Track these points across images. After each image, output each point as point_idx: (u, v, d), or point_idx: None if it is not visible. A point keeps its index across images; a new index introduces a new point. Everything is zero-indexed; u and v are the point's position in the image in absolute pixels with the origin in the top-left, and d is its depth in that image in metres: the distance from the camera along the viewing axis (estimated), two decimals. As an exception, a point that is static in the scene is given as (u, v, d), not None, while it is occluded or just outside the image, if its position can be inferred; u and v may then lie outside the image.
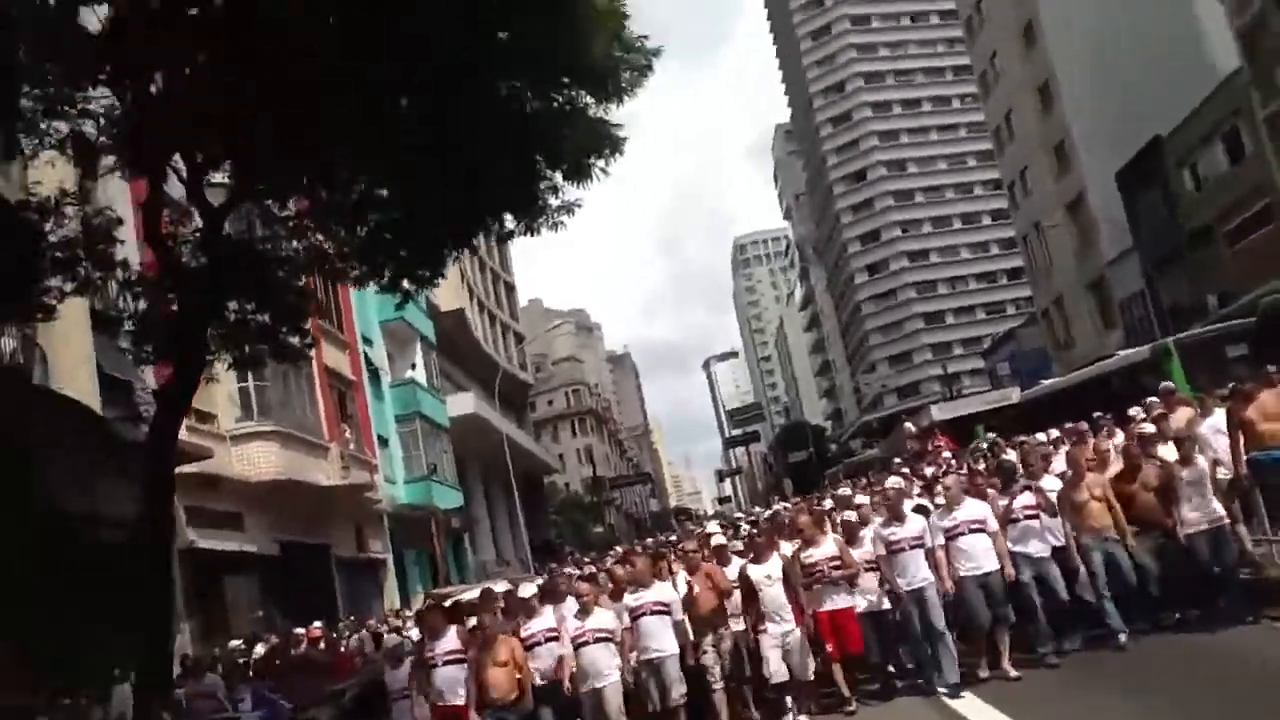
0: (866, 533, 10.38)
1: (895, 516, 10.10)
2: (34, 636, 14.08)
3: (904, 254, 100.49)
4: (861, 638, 9.81)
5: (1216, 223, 34.24)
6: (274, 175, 11.45)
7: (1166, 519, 9.90)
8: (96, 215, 12.41)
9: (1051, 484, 10.50)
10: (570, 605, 10.17)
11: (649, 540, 21.38)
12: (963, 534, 9.72)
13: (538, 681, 9.72)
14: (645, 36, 10.23)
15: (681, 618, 9.83)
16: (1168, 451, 10.45)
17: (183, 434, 13.59)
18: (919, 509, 10.72)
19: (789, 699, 9.61)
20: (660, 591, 9.91)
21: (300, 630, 18.02)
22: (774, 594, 9.69)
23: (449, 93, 9.60)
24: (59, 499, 15.08)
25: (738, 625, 10.06)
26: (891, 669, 10.32)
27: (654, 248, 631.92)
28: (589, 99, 10.46)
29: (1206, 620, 9.55)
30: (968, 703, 8.98)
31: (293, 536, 25.32)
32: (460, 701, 9.69)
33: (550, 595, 10.92)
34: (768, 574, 9.80)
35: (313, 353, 16.91)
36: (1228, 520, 9.88)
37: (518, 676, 9.58)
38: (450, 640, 10.16)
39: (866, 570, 10.12)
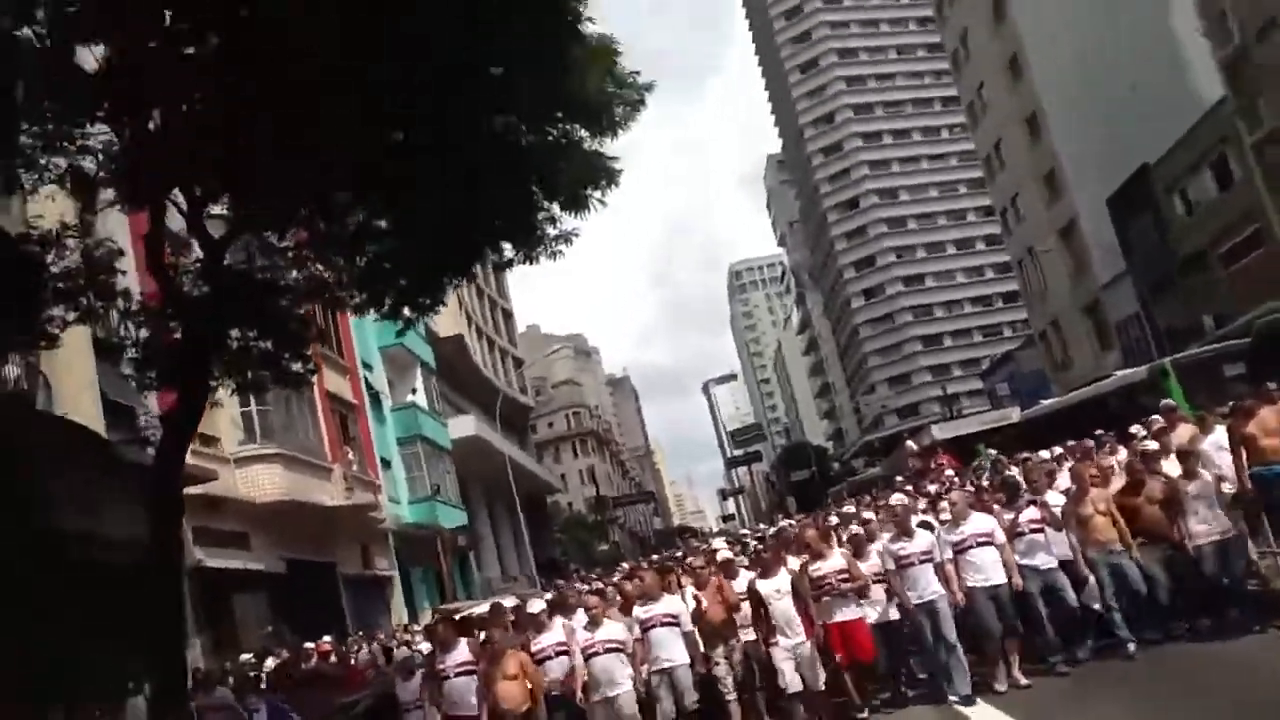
0: (874, 547, 10.47)
1: (904, 532, 10.19)
2: (48, 653, 14.15)
3: (899, 279, 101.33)
4: (872, 647, 9.88)
5: (1209, 247, 34.59)
6: (272, 207, 11.58)
7: (1172, 531, 9.96)
8: (98, 247, 12.54)
9: (1056, 499, 10.61)
10: (580, 618, 10.28)
11: (654, 557, 21.40)
12: (971, 547, 9.84)
13: (551, 693, 9.80)
14: (637, 72, 10.46)
15: (691, 629, 9.89)
16: (1171, 467, 10.51)
17: (188, 457, 13.68)
18: (923, 525, 10.81)
19: (801, 709, 9.67)
20: (669, 604, 9.99)
21: (310, 645, 18.11)
22: (783, 607, 9.77)
23: (446, 125, 9.75)
24: (67, 520, 15.13)
25: (748, 636, 10.14)
26: (903, 679, 10.40)
27: (648, 275, 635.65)
28: (584, 133, 10.65)
29: (1216, 630, 9.61)
30: (980, 711, 9.05)
31: (299, 555, 25.45)
32: (472, 712, 9.78)
33: (560, 608, 11.01)
34: (776, 588, 9.88)
35: (314, 378, 17.06)
36: (1234, 532, 9.93)
37: (529, 688, 9.64)
38: (461, 652, 10.27)
39: (875, 583, 10.21)
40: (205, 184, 11.20)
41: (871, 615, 10.08)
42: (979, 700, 9.30)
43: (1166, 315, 37.42)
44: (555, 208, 11.14)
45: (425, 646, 13.95)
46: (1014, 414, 31.72)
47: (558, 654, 10.02)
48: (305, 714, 12.82)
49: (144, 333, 13.58)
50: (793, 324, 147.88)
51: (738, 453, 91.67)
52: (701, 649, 10.00)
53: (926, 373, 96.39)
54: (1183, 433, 12.19)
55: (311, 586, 25.91)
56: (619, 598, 11.26)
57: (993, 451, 18.52)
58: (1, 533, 13.63)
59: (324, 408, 28.93)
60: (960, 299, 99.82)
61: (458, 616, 15.83)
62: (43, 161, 11.29)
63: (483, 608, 17.37)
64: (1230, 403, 11.55)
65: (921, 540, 10.07)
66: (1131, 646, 9.58)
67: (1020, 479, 11.25)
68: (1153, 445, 10.90)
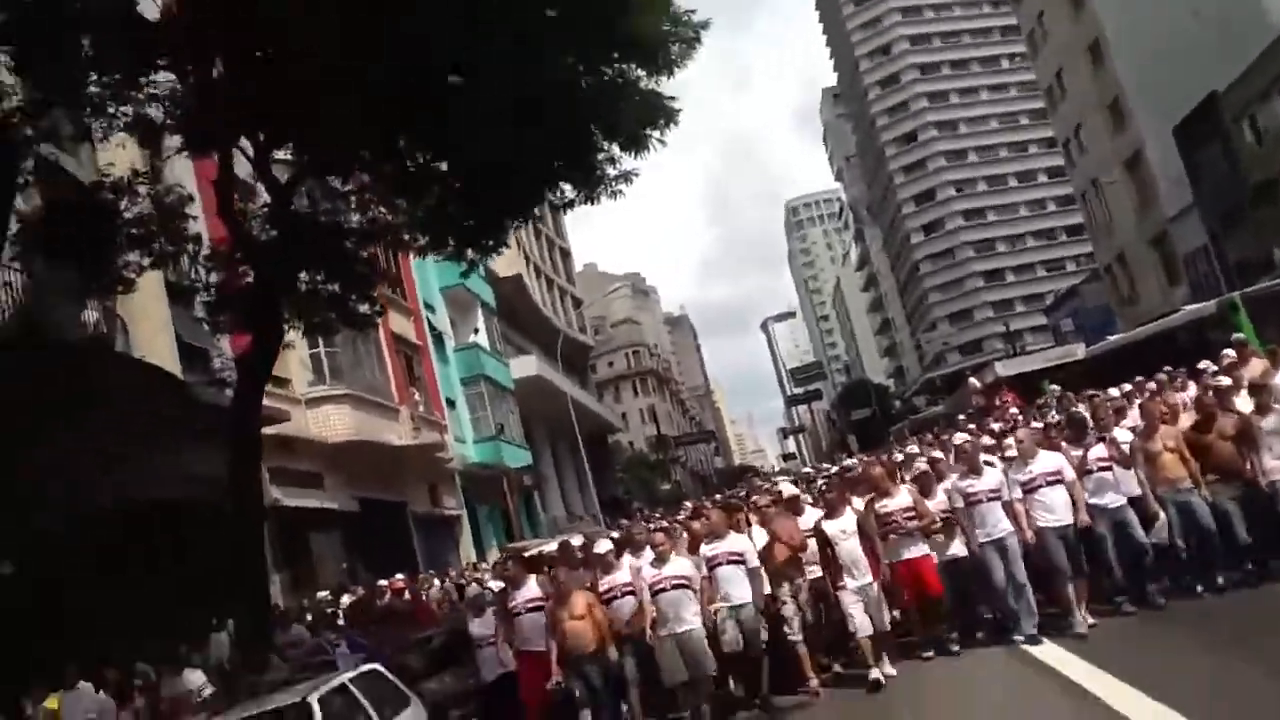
0: (942, 486, 10.35)
1: (972, 469, 10.06)
2: (134, 590, 14.75)
3: (960, 213, 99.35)
4: (939, 584, 9.83)
5: (1280, 176, 33.31)
6: (335, 151, 11.72)
7: (1245, 468, 9.78)
8: (168, 193, 12.84)
9: (1124, 436, 10.40)
10: (647, 556, 10.32)
11: (716, 496, 21.54)
12: (1040, 486, 9.68)
13: (619, 634, 9.99)
14: (692, 11, 10.36)
15: (757, 565, 9.93)
16: (1243, 403, 10.31)
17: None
18: (986, 465, 10.71)
19: (868, 649, 9.67)
20: (735, 542, 10.03)
21: (383, 582, 18.61)
22: (849, 548, 9.76)
23: (505, 68, 9.78)
24: (148, 460, 15.69)
25: (814, 575, 10.15)
26: (970, 618, 10.34)
27: (705, 213, 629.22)
28: (640, 72, 10.63)
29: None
30: (1047, 650, 8.98)
31: (370, 494, 26.13)
32: (542, 648, 10.02)
33: (627, 547, 11.17)
34: (842, 528, 9.87)
35: (380, 319, 17.39)
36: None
37: (597, 627, 9.83)
38: (531, 589, 10.52)
39: (942, 520, 10.11)
40: (270, 129, 11.37)
41: (938, 555, 10.01)
42: (1045, 640, 9.24)
43: (1236, 248, 36.23)
44: (614, 148, 11.17)
45: (495, 584, 14.30)
46: (1079, 350, 31.14)
47: (624, 594, 10.14)
48: (381, 649, 13.17)
49: (214, 277, 13.96)
50: (851, 260, 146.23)
51: (798, 391, 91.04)
52: (767, 587, 10.10)
53: (989, 309, 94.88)
54: (1255, 367, 11.90)
55: (383, 525, 26.63)
56: (685, 536, 11.37)
57: (1056, 388, 18.25)
58: (86, 472, 14.19)
59: (389, 349, 29.39)
60: (1022, 233, 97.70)
61: (526, 555, 16.15)
62: (111, 110, 11.55)
63: (550, 546, 17.67)
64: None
65: (990, 478, 9.94)
66: (1200, 586, 9.48)
67: (1087, 416, 11.07)
68: (1225, 380, 10.69)
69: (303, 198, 12.95)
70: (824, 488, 11.92)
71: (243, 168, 12.32)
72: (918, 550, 9.88)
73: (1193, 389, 11.98)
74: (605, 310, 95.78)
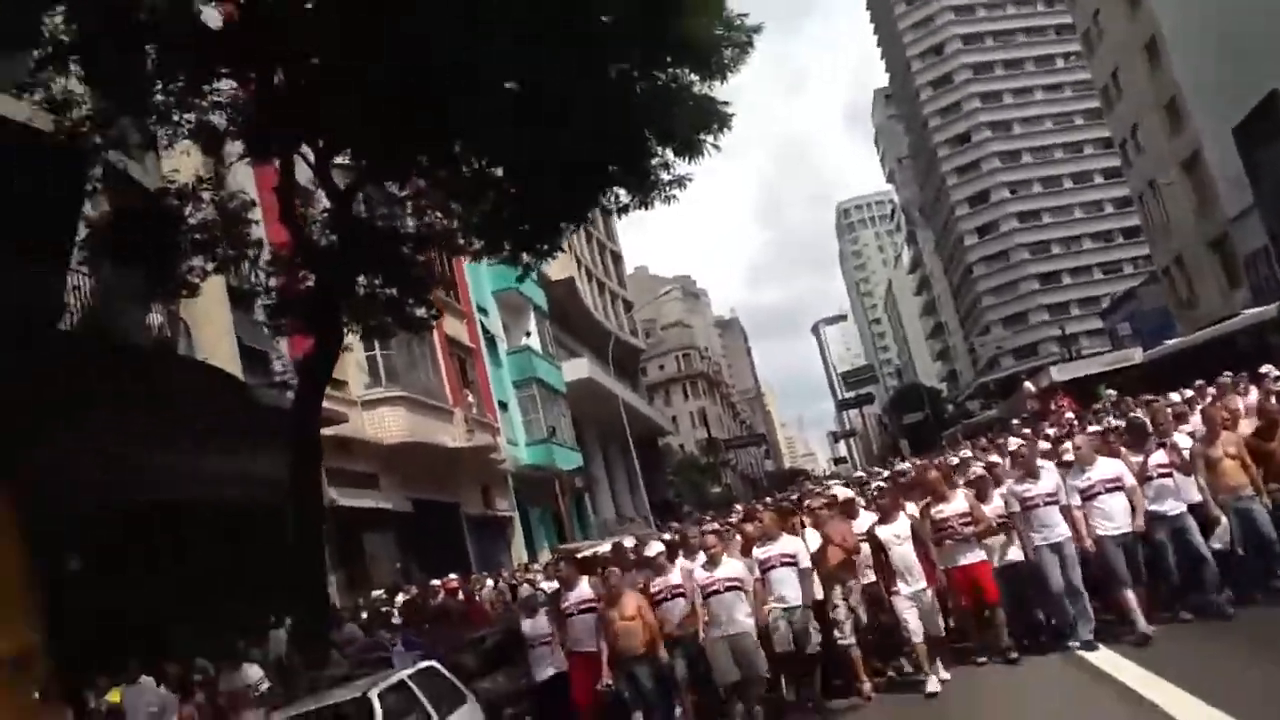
0: (998, 490, 10.25)
1: (1028, 473, 9.97)
2: (195, 586, 15.08)
3: (1014, 215, 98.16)
4: (996, 590, 9.72)
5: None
6: (394, 157, 11.90)
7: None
8: (231, 199, 13.13)
9: (1184, 441, 10.21)
10: (700, 559, 10.34)
11: (767, 499, 21.54)
12: (1099, 493, 9.52)
13: (670, 635, 10.04)
14: (745, 14, 10.38)
15: (809, 566, 9.94)
16: (1307, 409, 10.13)
17: (319, 401, 14.28)
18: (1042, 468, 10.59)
19: (923, 656, 9.62)
20: (787, 544, 10.06)
21: (436, 582, 18.81)
22: (903, 553, 9.71)
23: (562, 74, 9.89)
24: (209, 461, 16.02)
25: (868, 579, 10.12)
26: (1027, 624, 10.22)
27: (755, 215, 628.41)
28: (694, 77, 10.68)
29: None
30: (1104, 656, 8.90)
31: (424, 495, 26.45)
32: (593, 649, 10.11)
33: (679, 549, 11.24)
34: (896, 533, 9.82)
35: (436, 322, 17.63)
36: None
37: (647, 629, 9.90)
38: (583, 590, 10.62)
39: (999, 526, 10.01)
40: (330, 136, 11.59)
41: (995, 560, 9.91)
42: (1101, 646, 9.15)
43: (1299, 249, 35.59)
44: (668, 152, 11.23)
45: (546, 585, 14.42)
46: (1136, 354, 30.76)
47: (675, 595, 10.22)
48: (435, 648, 13.34)
49: (274, 281, 14.26)
50: (903, 263, 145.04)
51: (849, 395, 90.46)
52: (820, 589, 10.06)
53: (1044, 311, 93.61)
54: (1319, 373, 11.73)
55: (437, 526, 26.92)
56: (738, 538, 11.41)
57: (1112, 392, 18.04)
58: (149, 471, 14.53)
59: (444, 351, 29.73)
60: (1079, 234, 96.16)
61: (578, 556, 16.26)
62: (176, 118, 11.86)
63: (602, 547, 17.77)
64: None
65: (1047, 481, 9.81)
66: (1260, 595, 9.31)
67: (1147, 421, 10.93)
68: (1287, 386, 10.52)
69: (360, 203, 13.16)
70: (877, 492, 11.88)
71: (302, 174, 12.56)
72: (974, 556, 9.78)
73: (1254, 394, 11.78)
74: (656, 313, 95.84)
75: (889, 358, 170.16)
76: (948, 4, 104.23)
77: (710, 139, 10.93)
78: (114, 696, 11.73)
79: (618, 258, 72.92)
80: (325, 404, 18.81)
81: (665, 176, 11.50)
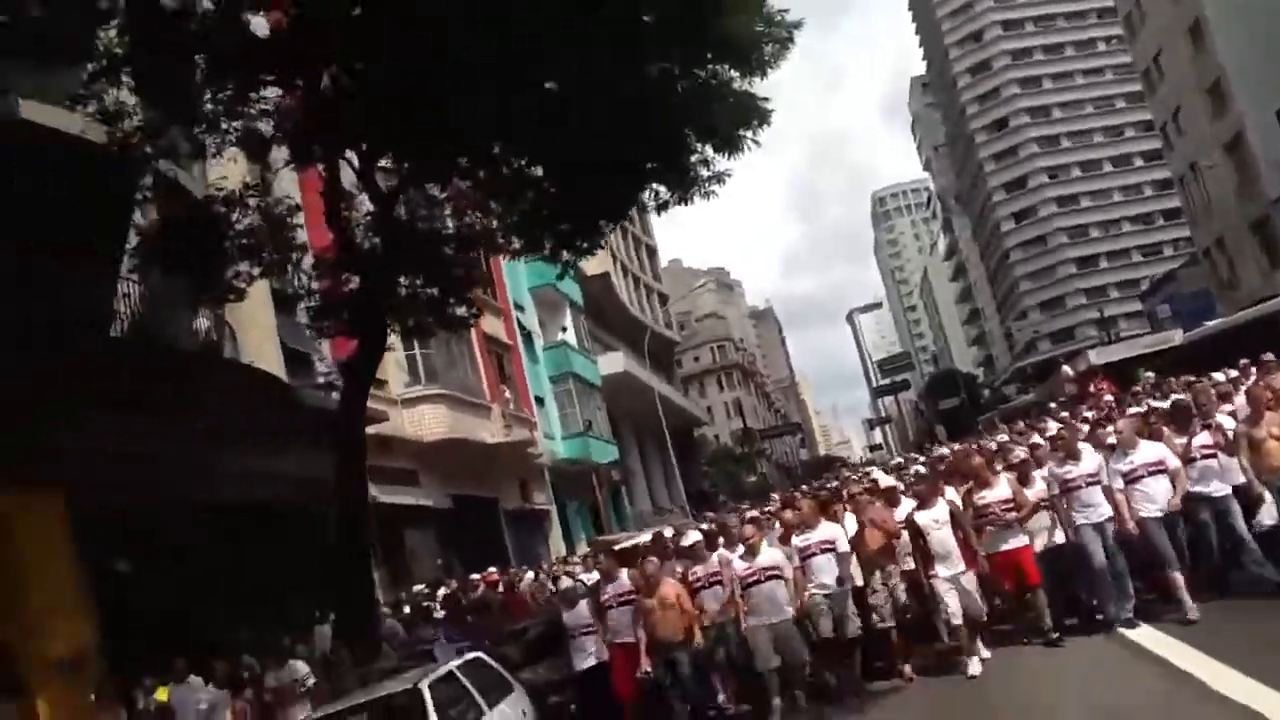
0: (1039, 473, 10.25)
1: (1069, 455, 9.96)
2: (242, 584, 15.42)
3: (1052, 200, 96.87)
4: (1038, 573, 9.75)
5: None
6: (435, 160, 12.08)
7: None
8: (277, 204, 13.39)
9: (1227, 422, 10.15)
10: (738, 549, 10.50)
11: (803, 487, 21.62)
12: (1142, 476, 9.52)
13: (707, 622, 10.24)
14: (785, 10, 10.44)
15: (847, 550, 10.08)
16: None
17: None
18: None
19: (963, 638, 9.73)
20: (826, 530, 10.21)
21: (476, 576, 19.05)
22: (942, 537, 9.77)
23: (603, 72, 10.02)
24: (254, 462, 16.33)
25: (908, 566, 10.21)
26: (1069, 605, 10.25)
27: (789, 205, 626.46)
28: (733, 74, 10.76)
29: None
30: (1147, 635, 8.95)
31: (463, 491, 26.78)
32: (632, 639, 10.32)
33: (717, 538, 11.41)
34: (935, 518, 9.87)
35: (476, 321, 17.84)
36: None
37: (685, 617, 10.11)
38: (622, 583, 10.82)
39: (1042, 509, 10.04)
40: (373, 140, 11.82)
41: (1038, 545, 9.94)
42: (1143, 625, 9.19)
43: (1342, 231, 35.12)
44: (708, 149, 11.32)
45: (585, 576, 14.62)
46: (1176, 336, 30.42)
47: (712, 583, 10.42)
48: (477, 640, 13.55)
49: (314, 284, 14.54)
50: (939, 250, 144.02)
51: (885, 382, 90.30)
52: (859, 575, 10.19)
53: (1081, 295, 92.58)
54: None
55: (476, 521, 27.25)
56: (778, 525, 11.54)
57: (1151, 374, 17.93)
58: (196, 473, 14.86)
59: (481, 349, 30.02)
60: (1117, 218, 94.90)
61: (617, 548, 16.45)
62: (224, 126, 12.13)
63: (640, 538, 17.95)
64: None
65: (1089, 462, 9.81)
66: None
67: (1190, 402, 10.84)
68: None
69: (402, 205, 13.39)
70: (915, 478, 11.95)
71: (345, 177, 12.79)
72: (1016, 541, 9.81)
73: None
74: (690, 305, 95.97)
75: (924, 344, 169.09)
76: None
77: (750, 135, 10.99)
78: (162, 695, 12.02)
79: (653, 251, 72.99)
80: (368, 403, 19.20)
81: (705, 173, 11.58)
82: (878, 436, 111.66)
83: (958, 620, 9.65)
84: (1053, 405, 21.14)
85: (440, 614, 17.36)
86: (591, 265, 46.04)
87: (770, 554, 10.15)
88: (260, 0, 11.44)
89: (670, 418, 51.56)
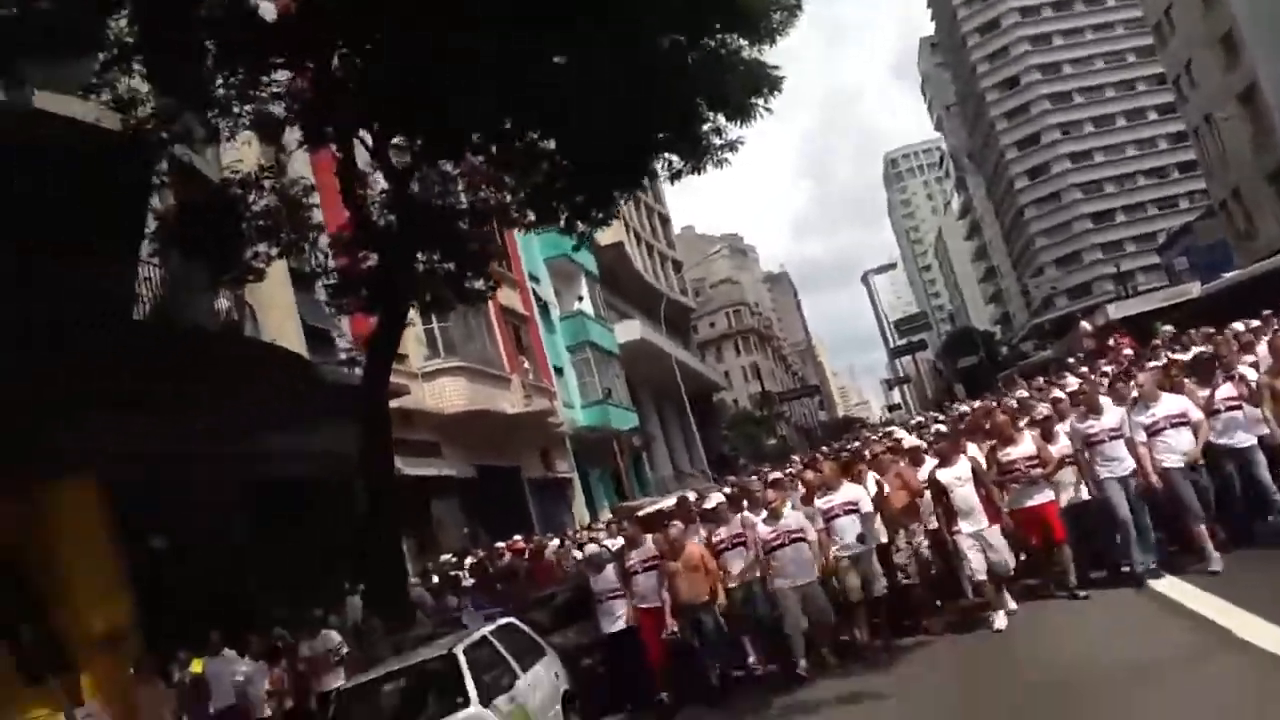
0: (1061, 428, 10.25)
1: (1091, 409, 9.96)
2: (274, 558, 15.66)
3: (1065, 156, 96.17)
4: (1064, 529, 9.77)
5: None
6: (447, 136, 12.11)
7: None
8: (292, 185, 13.47)
9: (1250, 374, 10.08)
10: (761, 513, 10.60)
11: (823, 449, 21.68)
12: (1164, 429, 9.48)
13: (732, 584, 10.40)
14: None
15: (870, 510, 10.16)
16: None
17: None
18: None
19: (989, 592, 9.78)
20: (848, 491, 10.31)
21: (502, 544, 19.25)
22: (964, 494, 9.77)
23: (614, 43, 10.01)
24: (280, 439, 16.53)
25: (932, 525, 10.23)
26: (1094, 559, 10.28)
27: (801, 169, 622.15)
28: (743, 42, 10.72)
29: None
30: (1174, 586, 8.99)
31: (486, 461, 27.08)
32: (657, 604, 10.49)
33: (744, 499, 11.50)
34: (957, 475, 9.87)
35: (493, 294, 17.91)
36: None
37: (710, 577, 10.27)
38: (647, 548, 10.94)
39: (1066, 465, 10.04)
40: (385, 119, 11.86)
41: (1063, 499, 9.94)
42: (1169, 576, 9.24)
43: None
44: (720, 118, 11.31)
45: (609, 542, 14.76)
46: (1194, 289, 30.22)
47: (735, 544, 10.56)
48: (505, 607, 13.70)
49: (332, 262, 14.65)
50: (953, 209, 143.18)
51: (902, 342, 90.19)
52: (884, 534, 10.29)
53: (1098, 250, 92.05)
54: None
55: (500, 490, 27.56)
56: (800, 486, 11.63)
57: (1169, 328, 17.84)
58: (225, 451, 15.06)
59: (498, 320, 30.17)
60: (1132, 172, 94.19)
61: (640, 513, 16.58)
62: (236, 109, 12.20)
63: (663, 503, 18.06)
64: None
65: (1111, 416, 9.80)
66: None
67: (1211, 354, 10.78)
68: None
69: (416, 181, 13.43)
70: (936, 436, 11.98)
71: (358, 156, 12.85)
72: (1041, 497, 9.81)
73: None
74: (705, 272, 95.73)
75: (941, 304, 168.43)
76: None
77: (762, 102, 10.96)
78: (196, 667, 12.28)
79: (665, 219, 72.85)
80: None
81: (717, 141, 11.56)
82: (896, 397, 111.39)
83: (981, 576, 9.70)
84: (1071, 361, 21.06)
85: (469, 582, 17.58)
86: (605, 235, 45.74)
87: (793, 516, 10.26)
88: None
89: (688, 383, 51.71)
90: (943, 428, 13.06)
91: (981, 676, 8.78)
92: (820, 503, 10.39)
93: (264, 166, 13.17)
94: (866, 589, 9.97)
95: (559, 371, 37.19)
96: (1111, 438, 9.69)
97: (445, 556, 20.35)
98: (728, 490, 14.15)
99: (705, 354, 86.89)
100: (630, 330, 45.59)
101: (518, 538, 20.56)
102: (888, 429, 18.94)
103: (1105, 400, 10.21)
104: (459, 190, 14.23)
